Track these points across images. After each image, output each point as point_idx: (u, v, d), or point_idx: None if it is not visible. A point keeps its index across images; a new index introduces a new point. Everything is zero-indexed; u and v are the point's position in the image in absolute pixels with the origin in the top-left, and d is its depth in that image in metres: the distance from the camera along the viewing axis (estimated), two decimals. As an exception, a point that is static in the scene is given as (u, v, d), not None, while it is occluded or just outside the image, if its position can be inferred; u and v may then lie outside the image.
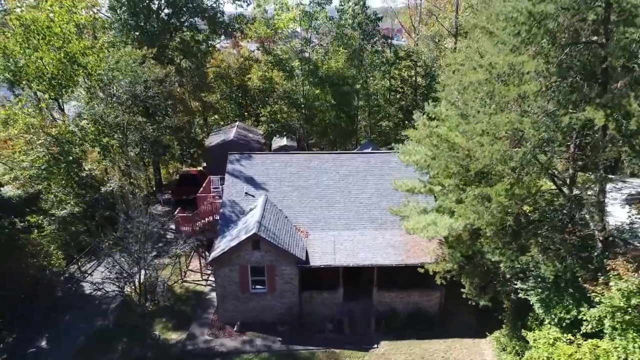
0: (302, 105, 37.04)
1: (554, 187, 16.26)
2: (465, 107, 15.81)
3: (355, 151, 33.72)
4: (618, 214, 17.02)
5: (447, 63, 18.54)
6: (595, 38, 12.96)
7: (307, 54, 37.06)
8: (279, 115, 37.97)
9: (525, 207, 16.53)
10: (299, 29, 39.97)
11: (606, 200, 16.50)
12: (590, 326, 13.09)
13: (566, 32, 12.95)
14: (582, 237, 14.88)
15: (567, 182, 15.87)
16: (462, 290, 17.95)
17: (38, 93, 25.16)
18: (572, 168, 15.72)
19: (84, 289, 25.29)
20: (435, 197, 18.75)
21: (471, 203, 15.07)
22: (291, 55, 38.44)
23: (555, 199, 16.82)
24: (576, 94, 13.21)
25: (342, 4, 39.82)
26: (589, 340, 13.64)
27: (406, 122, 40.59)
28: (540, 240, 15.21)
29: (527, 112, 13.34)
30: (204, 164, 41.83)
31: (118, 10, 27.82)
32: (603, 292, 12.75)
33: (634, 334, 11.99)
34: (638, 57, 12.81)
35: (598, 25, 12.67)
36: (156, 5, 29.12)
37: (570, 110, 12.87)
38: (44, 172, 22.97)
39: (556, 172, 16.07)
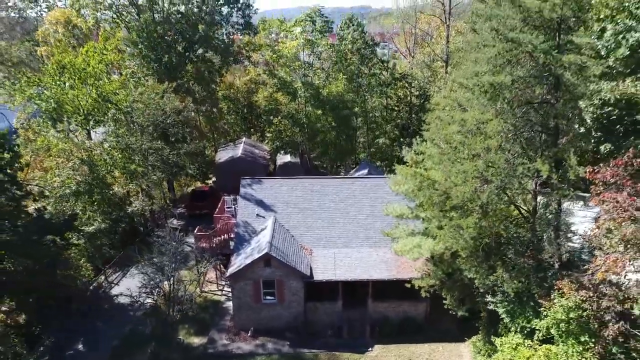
0: (305, 125, 40.14)
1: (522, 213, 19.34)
2: (445, 147, 18.88)
3: (353, 171, 36.89)
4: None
5: (435, 103, 21.56)
6: (549, 97, 16.01)
7: (309, 78, 40.12)
8: (283, 134, 41.05)
9: (500, 231, 19.60)
10: (302, 53, 43.08)
11: (576, 219, 19.64)
12: (541, 334, 16.20)
13: (522, 96, 16.03)
14: (539, 259, 17.92)
15: (530, 211, 18.96)
16: (444, 301, 21.04)
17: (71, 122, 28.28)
18: (533, 200, 18.79)
19: (113, 297, 28.47)
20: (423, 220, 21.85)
21: (449, 230, 18.18)
22: (294, 78, 41.55)
23: (523, 225, 19.88)
24: (530, 147, 16.32)
25: (342, 29, 42.94)
26: (544, 345, 16.74)
27: (401, 139, 43.79)
28: (506, 262, 18.32)
29: (491, 161, 16.41)
30: (213, 179, 45.08)
31: (139, 45, 30.96)
32: (551, 307, 15.84)
33: (573, 341, 15.08)
34: (581, 120, 15.88)
35: (549, 91, 15.77)
36: (172, 39, 32.21)
37: (524, 161, 15.97)
38: (75, 193, 26.04)
39: (520, 204, 19.15)
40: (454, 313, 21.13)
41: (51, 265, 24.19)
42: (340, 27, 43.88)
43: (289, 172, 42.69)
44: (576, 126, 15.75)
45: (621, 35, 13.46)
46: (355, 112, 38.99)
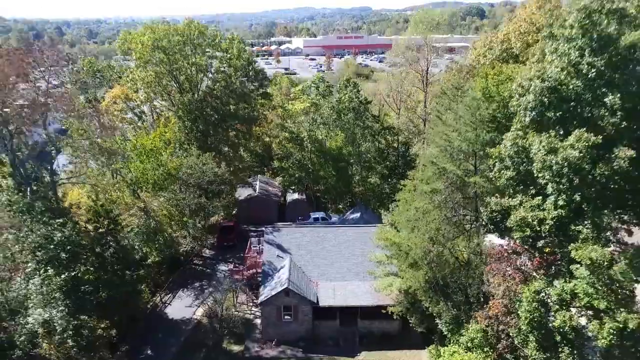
0: (310, 171, 49.65)
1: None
2: (406, 222, 28.34)
3: (348, 213, 46.34)
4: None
5: (403, 184, 31.05)
6: (466, 201, 25.50)
7: (313, 133, 49.59)
8: (292, 177, 50.55)
9: (444, 276, 28.95)
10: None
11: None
12: (464, 346, 25.62)
13: (450, 197, 25.47)
14: (467, 296, 27.32)
15: (464, 263, 28.40)
16: (410, 321, 30.49)
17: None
18: (467, 254, 28.21)
19: (167, 314, 37.90)
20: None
21: (409, 275, 27.71)
22: (302, 130, 51.03)
23: (459, 271, 29.28)
24: (458, 227, 25.83)
25: (340, 91, 52.48)
26: (467, 353, 26.14)
27: (389, 179, 53.24)
28: (447, 297, 27.75)
29: (434, 235, 25.86)
30: (235, 211, 54.46)
31: (184, 120, 40.43)
32: (469, 329, 25.28)
33: (480, 351, 24.52)
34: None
35: (465, 196, 25.28)
36: (208, 114, 41.70)
37: (455, 235, 25.45)
38: (145, 237, 35.47)
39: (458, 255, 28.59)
40: (417, 329, 30.62)
41: (129, 293, 33.78)
42: (339, 87, 53.40)
43: (297, 207, 52.42)
44: (481, 220, 25.23)
45: (502, 171, 22.79)
46: (352, 163, 48.44)
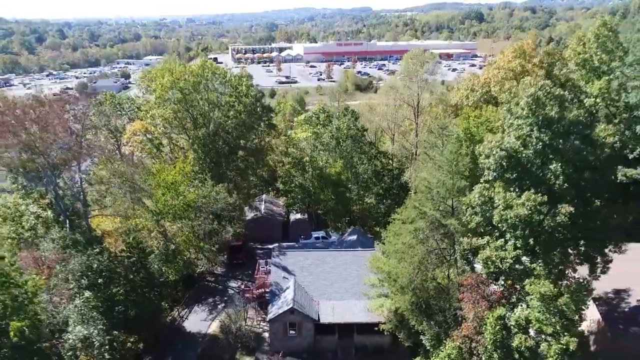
0: (312, 194, 54.35)
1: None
2: (395, 252, 33.03)
3: (346, 234, 50.98)
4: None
5: (393, 218, 35.71)
6: (445, 239, 30.19)
7: (315, 159, 54.26)
8: (295, 200, 55.24)
9: (428, 298, 33.64)
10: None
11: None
12: (441, 359, 30.32)
13: (431, 233, 30.16)
14: (445, 317, 31.97)
15: (445, 287, 33.07)
16: (399, 336, 35.17)
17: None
18: (445, 282, 32.90)
19: (185, 328, 42.57)
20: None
21: (397, 298, 32.41)
22: (304, 155, 55.71)
23: (442, 295, 33.95)
24: (438, 258, 30.55)
25: (338, 119, 57.09)
26: (447, 365, 30.84)
27: (384, 200, 57.80)
28: (430, 316, 32.43)
29: (418, 265, 30.53)
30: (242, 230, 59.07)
31: (199, 152, 45.14)
32: (447, 345, 29.97)
33: (455, 365, 29.21)
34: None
35: (444, 234, 29.99)
36: (220, 147, 46.45)
37: (436, 265, 30.16)
38: (166, 259, 40.10)
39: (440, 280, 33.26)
40: (405, 344, 35.32)
41: (153, 312, 38.55)
42: (338, 116, 58.02)
43: (300, 226, 57.13)
44: (455, 255, 29.94)
45: (472, 216, 27.42)
46: (350, 188, 53.12)
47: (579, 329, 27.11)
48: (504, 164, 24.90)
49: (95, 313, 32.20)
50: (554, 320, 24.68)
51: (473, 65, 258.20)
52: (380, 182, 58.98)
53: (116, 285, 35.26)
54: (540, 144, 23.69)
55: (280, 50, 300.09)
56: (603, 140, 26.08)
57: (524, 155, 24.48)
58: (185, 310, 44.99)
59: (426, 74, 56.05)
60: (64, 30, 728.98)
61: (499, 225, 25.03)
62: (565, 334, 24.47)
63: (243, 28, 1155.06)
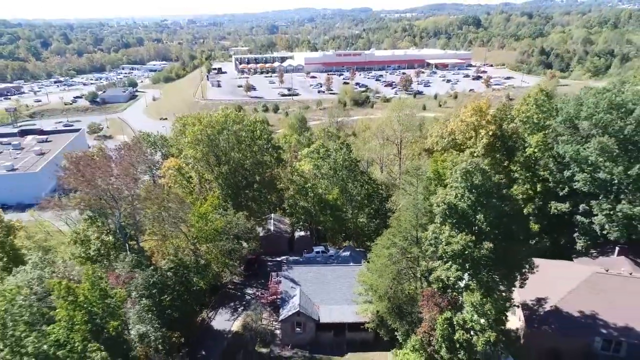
0: (313, 216, 65.48)
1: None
2: (376, 269, 44.17)
3: (341, 251, 62.12)
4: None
5: (375, 243, 46.77)
6: (410, 262, 41.36)
7: (315, 187, 65.34)
8: (299, 220, 66.40)
9: (401, 303, 44.79)
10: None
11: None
12: (410, 349, 41.45)
13: (403, 256, 41.31)
14: (413, 317, 43.11)
15: (412, 297, 44.19)
16: (380, 333, 46.30)
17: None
18: (412, 293, 43.99)
19: (212, 326, 53.70)
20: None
21: (378, 304, 43.62)
22: (307, 181, 66.77)
23: (410, 302, 45.01)
24: (406, 276, 41.75)
25: (336, 152, 68.19)
26: (412, 353, 42.00)
27: (374, 219, 68.93)
28: (402, 317, 43.55)
29: (391, 281, 41.66)
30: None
31: (222, 185, 56.24)
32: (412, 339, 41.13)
33: (418, 352, 40.36)
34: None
35: (410, 259, 41.19)
36: (239, 181, 57.65)
37: (408, 280, 41.33)
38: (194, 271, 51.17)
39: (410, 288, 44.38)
40: (384, 338, 46.47)
41: (189, 313, 49.74)
42: (335, 148, 69.09)
43: (303, 241, 68.26)
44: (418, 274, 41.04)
45: (428, 247, 38.51)
46: (345, 210, 64.23)
47: (510, 326, 38.38)
48: (447, 212, 36.03)
49: (150, 315, 43.37)
50: (482, 321, 35.85)
51: (467, 75, 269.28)
52: (371, 203, 70.20)
53: (165, 294, 46.40)
54: (470, 200, 34.83)
55: (282, 59, 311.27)
56: (516, 196, 37.14)
57: (460, 207, 35.58)
58: (212, 312, 56.17)
59: (406, 116, 67.16)
60: (67, 33, 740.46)
61: (444, 255, 36.18)
62: (488, 330, 35.61)
63: (244, 29, 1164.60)
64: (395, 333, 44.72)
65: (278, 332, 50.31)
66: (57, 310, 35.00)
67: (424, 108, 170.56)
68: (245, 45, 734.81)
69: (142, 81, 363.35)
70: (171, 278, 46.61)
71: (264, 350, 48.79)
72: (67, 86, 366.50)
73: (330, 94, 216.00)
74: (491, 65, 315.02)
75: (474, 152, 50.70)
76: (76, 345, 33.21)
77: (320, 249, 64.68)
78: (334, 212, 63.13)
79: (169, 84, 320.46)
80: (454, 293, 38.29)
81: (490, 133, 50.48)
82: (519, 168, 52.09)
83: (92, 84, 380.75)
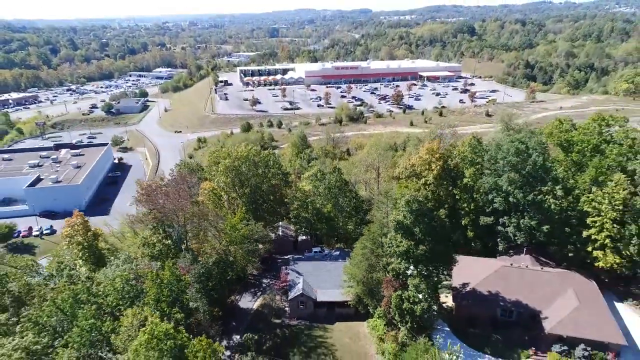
0: (312, 224, 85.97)
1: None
2: (355, 263, 64.71)
3: (333, 250, 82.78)
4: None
5: (356, 244, 67.15)
6: (377, 261, 61.85)
7: (313, 201, 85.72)
8: (301, 227, 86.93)
9: (373, 285, 65.19)
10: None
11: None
12: (377, 317, 61.87)
13: (373, 254, 61.75)
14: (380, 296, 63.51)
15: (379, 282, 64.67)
16: (359, 308, 66.77)
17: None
18: (380, 279, 64.44)
19: (239, 305, 74.20)
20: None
21: (356, 287, 64.25)
22: (307, 196, 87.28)
23: (378, 285, 65.41)
24: (374, 266, 62.35)
25: (330, 174, 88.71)
26: (378, 320, 62.44)
27: (359, 227, 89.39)
28: (375, 296, 63.97)
29: (365, 271, 62.14)
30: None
31: (245, 203, 76.61)
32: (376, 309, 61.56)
33: (381, 319, 60.82)
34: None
35: (376, 257, 61.78)
36: (257, 198, 78.10)
37: (374, 271, 61.92)
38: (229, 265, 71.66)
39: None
40: (361, 312, 66.96)
41: (224, 294, 70.39)
42: (329, 172, 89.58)
43: (304, 243, 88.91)
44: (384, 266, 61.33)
45: (388, 249, 58.64)
46: (337, 220, 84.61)
47: (447, 303, 59.02)
48: (397, 226, 56.50)
49: (200, 295, 63.88)
50: (420, 296, 56.31)
51: (455, 88, 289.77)
52: (357, 214, 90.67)
53: (209, 281, 66.83)
54: (411, 219, 55.28)
55: (284, 71, 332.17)
56: (442, 216, 57.53)
57: (404, 223, 56.03)
58: (238, 295, 76.66)
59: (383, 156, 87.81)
60: (73, 39, 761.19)
61: (395, 254, 56.70)
62: (424, 302, 56.07)
63: (244, 32, 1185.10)
64: (368, 307, 65.16)
65: (287, 308, 70.71)
66: (148, 288, 55.57)
67: (412, 124, 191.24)
68: (247, 50, 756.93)
69: (148, 87, 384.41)
70: (213, 269, 67.06)
71: (277, 321, 69.26)
72: (80, 94, 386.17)
73: (329, 107, 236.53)
74: (480, 77, 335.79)
75: (427, 180, 71.18)
76: (165, 309, 53.78)
77: (317, 249, 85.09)
78: (328, 221, 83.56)
79: (178, 94, 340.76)
80: (403, 278, 58.77)
81: (439, 166, 70.75)
82: (459, 192, 72.40)
83: (102, 92, 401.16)
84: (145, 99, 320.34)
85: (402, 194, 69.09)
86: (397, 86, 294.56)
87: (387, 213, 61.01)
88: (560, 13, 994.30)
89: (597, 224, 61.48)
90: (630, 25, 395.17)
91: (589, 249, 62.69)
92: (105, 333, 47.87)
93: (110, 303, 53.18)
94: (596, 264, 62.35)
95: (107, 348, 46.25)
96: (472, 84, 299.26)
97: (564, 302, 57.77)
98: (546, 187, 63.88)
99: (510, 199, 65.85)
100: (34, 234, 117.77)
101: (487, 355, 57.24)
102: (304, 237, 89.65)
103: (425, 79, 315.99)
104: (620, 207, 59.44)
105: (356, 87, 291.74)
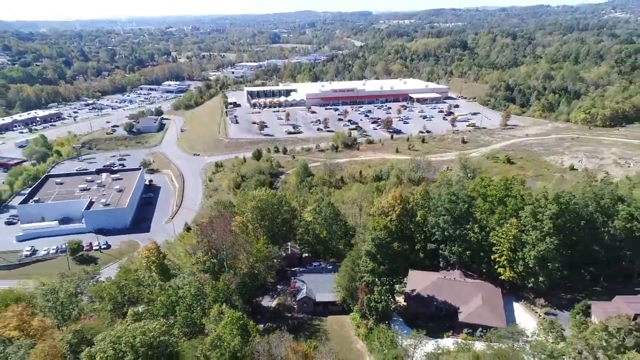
0: (313, 245, 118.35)
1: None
2: (342, 274, 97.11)
3: (327, 264, 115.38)
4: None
5: (343, 262, 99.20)
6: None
7: (313, 228, 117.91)
8: (305, 247, 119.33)
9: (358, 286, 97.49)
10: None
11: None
12: (357, 313, 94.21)
13: (353, 270, 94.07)
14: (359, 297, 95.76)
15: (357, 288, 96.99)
16: (344, 306, 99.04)
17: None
18: (358, 286, 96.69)
19: (262, 304, 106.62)
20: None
21: (343, 292, 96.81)
22: (308, 224, 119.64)
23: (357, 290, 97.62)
24: (355, 277, 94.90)
25: (325, 207, 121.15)
26: (355, 314, 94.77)
27: (347, 247, 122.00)
28: (356, 298, 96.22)
29: (348, 280, 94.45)
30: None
31: (266, 231, 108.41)
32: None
33: (358, 314, 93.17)
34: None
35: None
36: (272, 221, 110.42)
37: (355, 280, 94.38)
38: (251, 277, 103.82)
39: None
40: (346, 309, 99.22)
41: (253, 297, 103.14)
42: (324, 207, 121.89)
43: (307, 259, 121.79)
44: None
45: (362, 266, 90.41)
46: (331, 242, 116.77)
47: (399, 303, 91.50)
48: (367, 253, 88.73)
49: (239, 296, 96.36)
50: (382, 297, 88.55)
51: (441, 111, 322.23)
52: (345, 238, 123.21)
53: (244, 288, 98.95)
54: (375, 249, 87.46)
55: (287, 93, 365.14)
56: (395, 247, 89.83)
57: (372, 251, 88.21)
58: (260, 297, 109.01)
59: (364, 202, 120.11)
60: (83, 49, 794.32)
61: (366, 270, 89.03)
62: (383, 302, 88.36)
63: (246, 36, 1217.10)
64: (350, 305, 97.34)
65: (295, 306, 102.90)
66: (209, 292, 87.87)
67: (397, 151, 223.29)
68: (250, 60, 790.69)
69: (160, 102, 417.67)
70: (246, 280, 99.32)
71: (288, 314, 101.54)
72: (99, 110, 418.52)
73: (327, 131, 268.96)
74: (465, 98, 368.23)
75: (392, 218, 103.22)
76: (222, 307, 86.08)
77: (317, 263, 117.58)
78: (324, 243, 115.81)
79: (190, 112, 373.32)
80: (371, 287, 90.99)
81: (400, 208, 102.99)
82: (414, 226, 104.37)
83: (119, 107, 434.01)
84: (161, 117, 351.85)
85: (374, 227, 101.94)
86: (389, 107, 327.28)
87: (363, 241, 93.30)
88: (556, 18, 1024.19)
89: (499, 251, 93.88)
90: (605, 49, 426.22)
91: (496, 267, 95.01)
92: (195, 319, 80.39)
93: (188, 302, 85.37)
94: (501, 277, 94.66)
95: (197, 329, 78.43)
96: (457, 106, 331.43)
97: (474, 302, 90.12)
98: (469, 225, 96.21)
99: (446, 232, 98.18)
100: (94, 248, 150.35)
101: (425, 336, 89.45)
102: (306, 254, 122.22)
103: (415, 100, 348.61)
104: (513, 240, 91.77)
105: (352, 110, 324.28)
